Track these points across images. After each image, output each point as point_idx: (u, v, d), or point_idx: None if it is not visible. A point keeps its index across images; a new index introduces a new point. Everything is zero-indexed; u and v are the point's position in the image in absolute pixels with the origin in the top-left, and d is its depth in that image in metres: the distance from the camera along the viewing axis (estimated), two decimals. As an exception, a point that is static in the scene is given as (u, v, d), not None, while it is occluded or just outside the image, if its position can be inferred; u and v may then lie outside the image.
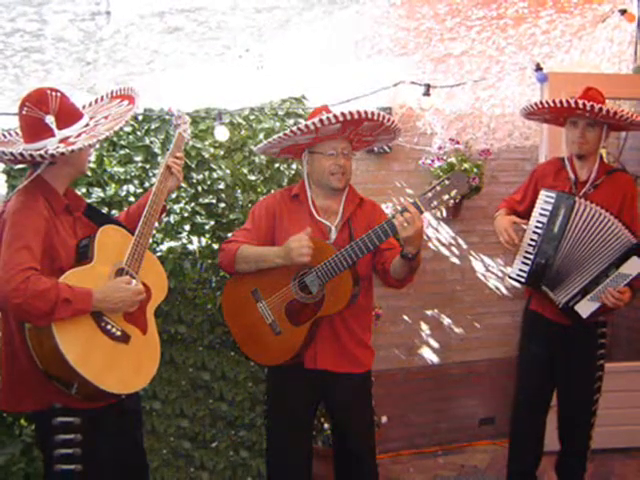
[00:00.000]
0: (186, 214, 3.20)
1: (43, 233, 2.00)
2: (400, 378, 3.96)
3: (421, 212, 2.31)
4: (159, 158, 3.13)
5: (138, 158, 3.14)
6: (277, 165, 3.36)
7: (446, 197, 2.33)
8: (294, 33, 3.16)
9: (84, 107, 2.31)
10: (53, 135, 2.05)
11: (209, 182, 3.21)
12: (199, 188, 3.21)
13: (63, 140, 2.05)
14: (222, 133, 3.19)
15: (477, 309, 4.10)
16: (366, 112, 2.39)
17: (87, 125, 2.14)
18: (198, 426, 3.23)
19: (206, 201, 3.21)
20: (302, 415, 2.63)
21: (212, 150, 3.24)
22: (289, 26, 3.08)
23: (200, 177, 3.20)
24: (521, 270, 2.89)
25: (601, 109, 2.69)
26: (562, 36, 3.69)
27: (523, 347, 3.14)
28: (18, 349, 2.03)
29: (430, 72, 3.71)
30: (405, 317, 3.97)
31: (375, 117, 2.42)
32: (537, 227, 2.85)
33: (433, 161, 3.73)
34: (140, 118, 3.16)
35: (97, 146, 3.04)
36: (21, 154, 2.00)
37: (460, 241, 4.03)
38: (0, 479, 2.73)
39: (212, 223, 3.23)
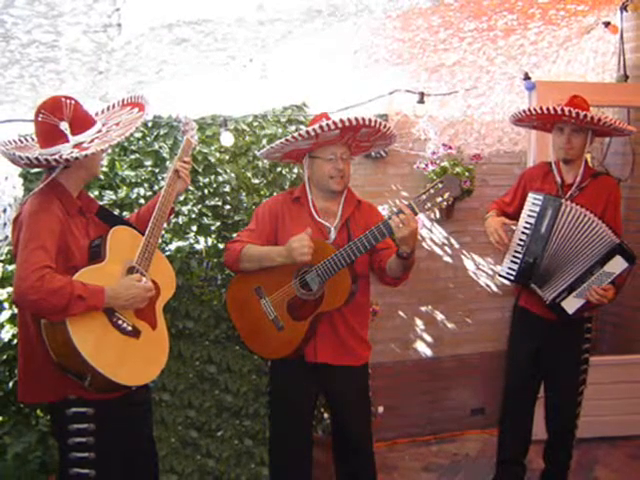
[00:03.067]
0: (193, 215, 3.19)
1: (58, 233, 2.00)
2: (396, 371, 3.95)
3: (416, 213, 2.31)
4: (168, 162, 3.13)
5: (148, 162, 3.15)
6: (279, 169, 3.36)
7: (439, 199, 2.33)
8: (295, 44, 3.16)
9: (97, 114, 2.30)
10: (67, 141, 2.05)
11: (215, 185, 3.21)
12: (206, 191, 3.21)
13: (77, 145, 2.05)
14: (227, 139, 3.19)
15: (469, 305, 4.09)
16: (364, 119, 2.39)
17: (99, 131, 2.14)
18: (204, 416, 3.23)
19: (212, 203, 3.21)
20: (303, 405, 2.63)
21: (218, 155, 3.24)
22: (291, 37, 3.08)
23: (206, 180, 3.21)
24: (510, 268, 2.89)
25: (586, 116, 2.69)
26: (549, 47, 3.69)
27: (512, 341, 3.14)
28: (34, 344, 2.03)
29: (424, 81, 3.71)
30: (400, 313, 3.97)
31: (372, 124, 2.42)
32: (525, 228, 2.85)
33: (427, 165, 3.73)
34: (150, 124, 3.16)
35: (109, 151, 3.04)
36: (37, 158, 2.00)
37: (453, 241, 4.03)
38: (17, 466, 2.73)
39: (218, 224, 3.23)
